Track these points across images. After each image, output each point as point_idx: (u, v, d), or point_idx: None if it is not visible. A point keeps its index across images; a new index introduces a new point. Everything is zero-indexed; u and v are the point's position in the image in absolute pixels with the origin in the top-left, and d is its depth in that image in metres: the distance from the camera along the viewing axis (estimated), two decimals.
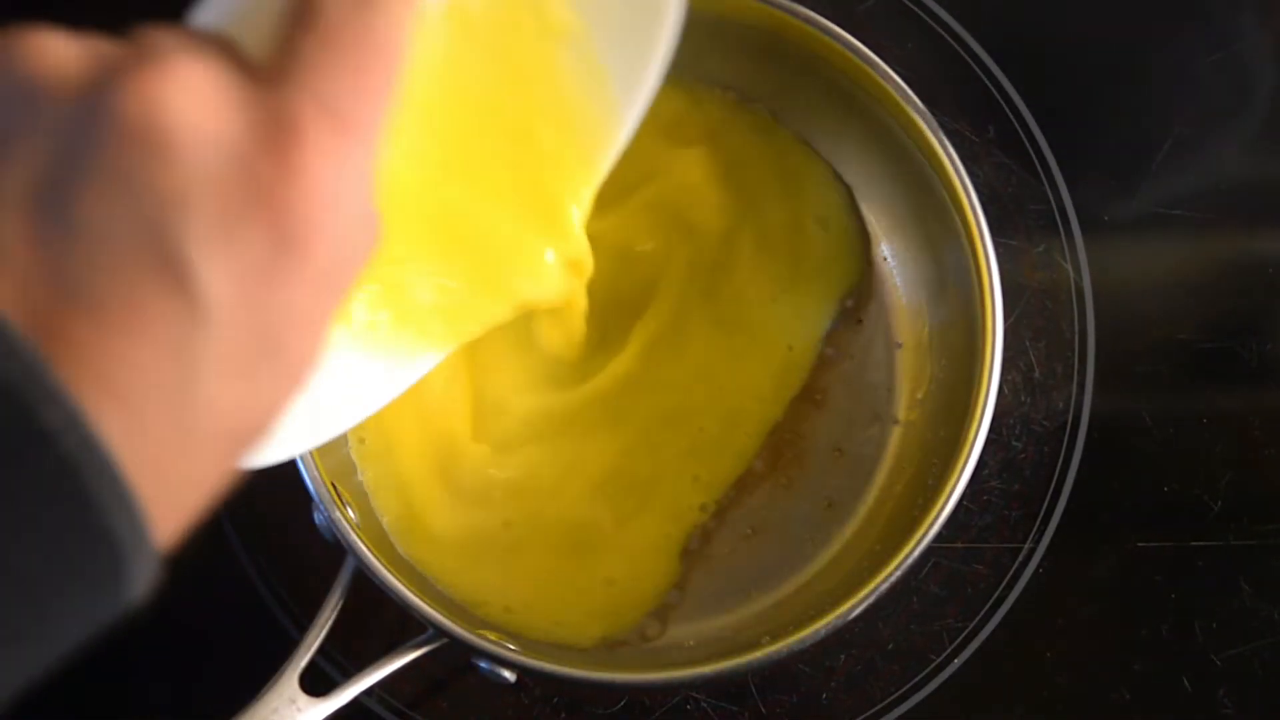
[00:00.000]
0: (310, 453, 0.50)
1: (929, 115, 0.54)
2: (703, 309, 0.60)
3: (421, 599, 0.50)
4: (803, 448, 0.60)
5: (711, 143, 0.61)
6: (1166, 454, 0.62)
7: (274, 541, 0.61)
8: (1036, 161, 0.65)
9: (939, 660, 0.60)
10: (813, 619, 0.51)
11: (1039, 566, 0.61)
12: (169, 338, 0.26)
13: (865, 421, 0.60)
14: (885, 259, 0.61)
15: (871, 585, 0.51)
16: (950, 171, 0.54)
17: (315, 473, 0.50)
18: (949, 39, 0.66)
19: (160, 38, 0.29)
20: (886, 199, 0.61)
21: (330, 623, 0.51)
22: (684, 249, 0.60)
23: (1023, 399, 0.63)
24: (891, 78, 0.55)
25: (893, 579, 0.51)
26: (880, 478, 0.59)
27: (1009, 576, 0.61)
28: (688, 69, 0.58)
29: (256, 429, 0.29)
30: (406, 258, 0.44)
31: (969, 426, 0.52)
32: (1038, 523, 0.61)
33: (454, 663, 0.58)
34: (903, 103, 0.54)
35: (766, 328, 0.60)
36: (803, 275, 0.61)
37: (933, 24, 0.66)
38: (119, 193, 0.26)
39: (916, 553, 0.51)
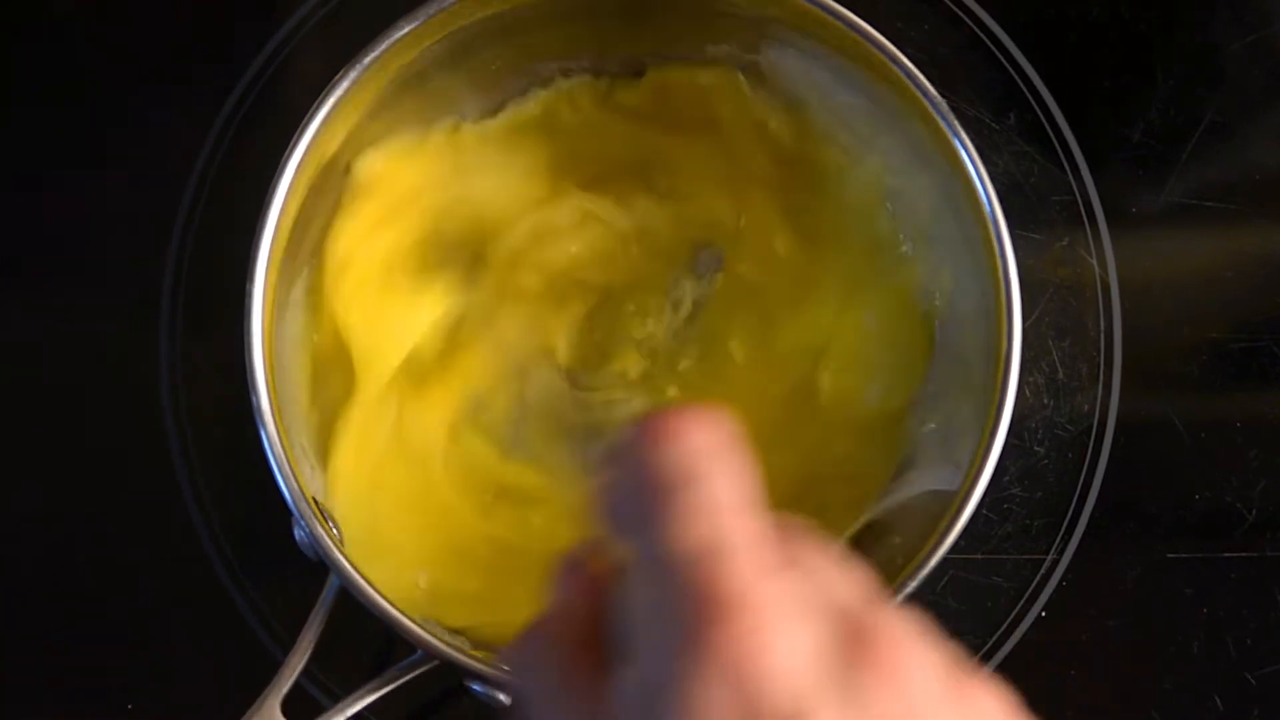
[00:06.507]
0: (288, 466, 0.48)
1: (938, 97, 0.51)
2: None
3: (409, 618, 0.48)
4: None
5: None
6: (1197, 459, 0.61)
7: (257, 556, 0.59)
8: (1060, 150, 0.63)
9: None
10: None
11: (1062, 579, 0.60)
12: None
13: None
14: None
15: None
16: (962, 157, 0.51)
17: (295, 486, 0.48)
18: (968, 21, 0.64)
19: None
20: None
21: (313, 645, 0.49)
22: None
23: (1045, 401, 0.61)
24: (896, 55, 0.52)
25: (906, 591, 0.49)
26: None
27: (1031, 589, 0.59)
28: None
29: None
30: None
31: (986, 431, 0.50)
32: (1061, 532, 0.60)
33: (447, 685, 0.56)
34: (910, 85, 0.51)
35: None
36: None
37: (950, 4, 0.64)
38: None
39: (931, 564, 0.49)
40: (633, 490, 0.31)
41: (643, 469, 0.31)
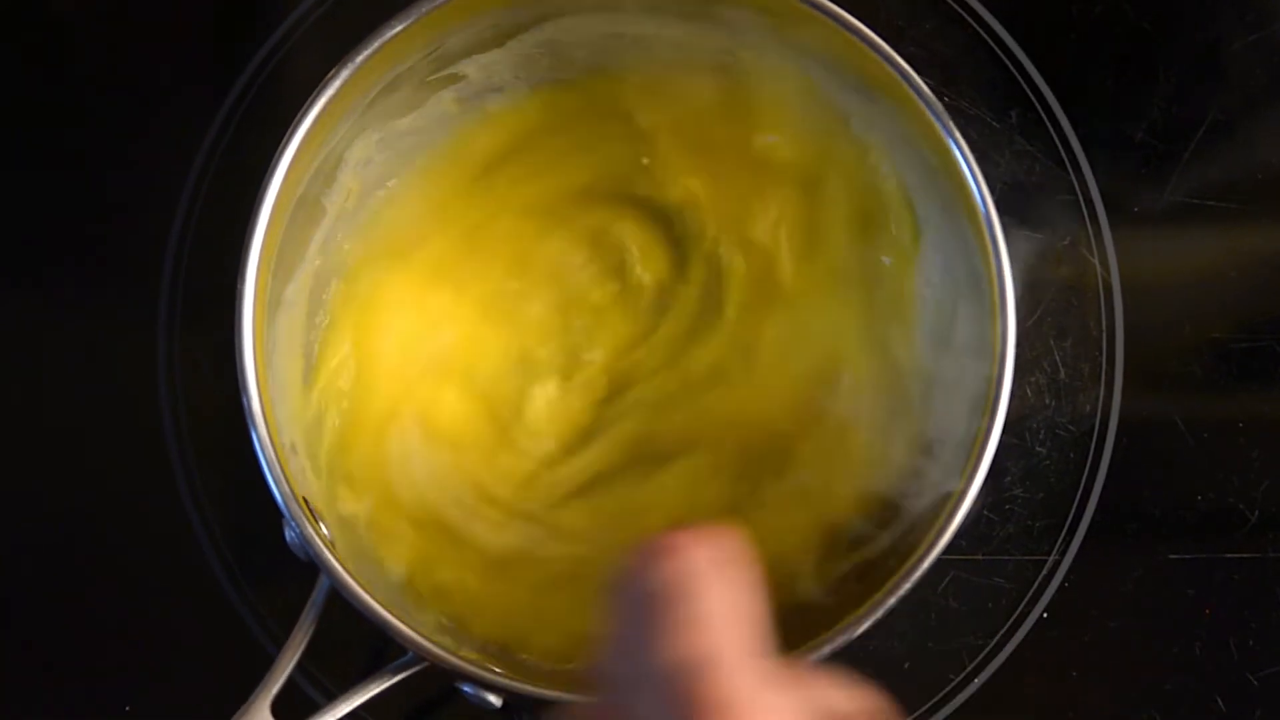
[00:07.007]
0: (279, 466, 0.48)
1: (925, 90, 0.51)
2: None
3: (399, 619, 0.47)
4: None
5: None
6: (1200, 460, 0.60)
7: (255, 556, 0.59)
8: (1061, 148, 0.63)
9: (958, 680, 0.58)
10: (817, 635, 0.48)
11: (1064, 580, 0.59)
12: None
13: None
14: None
15: (876, 599, 0.48)
16: (956, 158, 0.51)
17: (285, 487, 0.47)
18: (969, 19, 0.64)
19: None
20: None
21: (304, 645, 0.49)
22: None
23: (1047, 401, 0.60)
24: (891, 54, 0.51)
25: (902, 591, 0.48)
26: None
27: (1033, 590, 0.59)
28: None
29: None
30: None
31: (980, 431, 0.49)
32: (1063, 533, 0.59)
33: (443, 685, 0.56)
34: (905, 85, 0.51)
35: None
36: None
37: (952, 3, 0.64)
38: None
39: (925, 565, 0.48)
40: (631, 610, 0.31)
41: (640, 588, 0.31)
